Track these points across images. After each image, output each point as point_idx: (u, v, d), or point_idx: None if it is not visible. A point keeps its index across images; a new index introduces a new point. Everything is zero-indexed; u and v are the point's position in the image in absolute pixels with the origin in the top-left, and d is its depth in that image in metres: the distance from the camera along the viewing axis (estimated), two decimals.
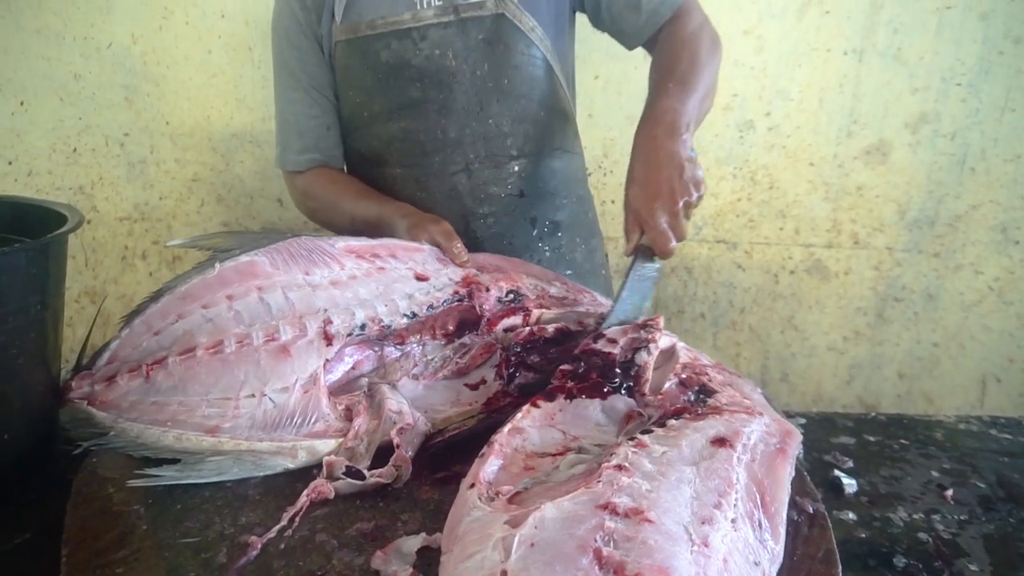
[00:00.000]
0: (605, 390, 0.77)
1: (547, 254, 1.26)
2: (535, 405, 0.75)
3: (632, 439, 0.65)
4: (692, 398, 0.76)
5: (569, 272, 1.25)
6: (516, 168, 1.21)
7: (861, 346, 2.09)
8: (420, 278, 0.93)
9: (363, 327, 0.82)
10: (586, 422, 0.74)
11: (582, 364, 0.80)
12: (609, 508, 0.54)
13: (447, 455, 0.74)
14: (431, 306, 0.90)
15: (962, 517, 0.78)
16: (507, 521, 0.55)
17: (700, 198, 0.94)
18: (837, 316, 2.07)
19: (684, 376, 0.79)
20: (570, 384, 0.78)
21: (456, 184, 1.20)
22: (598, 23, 1.24)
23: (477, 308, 0.93)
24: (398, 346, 0.86)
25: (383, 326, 0.84)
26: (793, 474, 0.65)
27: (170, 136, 1.93)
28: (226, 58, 1.86)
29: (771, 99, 1.89)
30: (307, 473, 0.72)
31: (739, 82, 1.88)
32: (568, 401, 0.76)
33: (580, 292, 1.04)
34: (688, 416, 0.70)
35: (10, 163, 1.91)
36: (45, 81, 1.85)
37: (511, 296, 0.97)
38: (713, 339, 2.09)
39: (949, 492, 0.83)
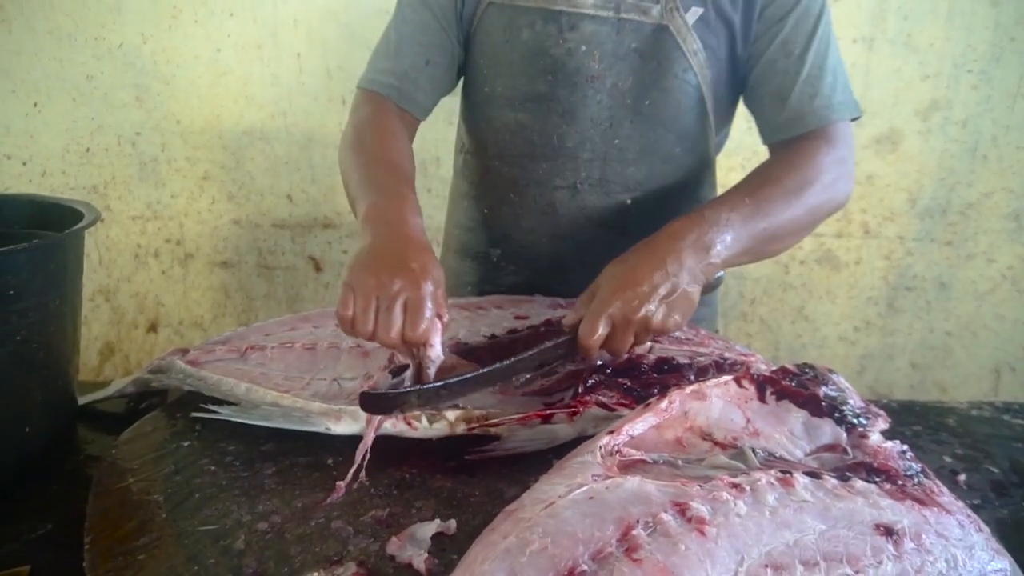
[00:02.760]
0: (822, 406, 0.71)
1: None
2: (738, 383, 0.72)
3: (785, 472, 0.59)
4: (910, 470, 0.66)
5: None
6: (629, 202, 1.04)
7: (872, 336, 2.08)
8: (519, 318, 0.91)
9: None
10: (779, 424, 0.70)
11: (809, 372, 0.76)
12: (680, 508, 0.54)
13: (459, 446, 0.75)
14: (514, 330, 0.87)
15: (975, 502, 0.78)
16: (596, 474, 0.57)
17: (658, 335, 0.84)
18: (848, 306, 2.06)
19: (909, 453, 0.69)
20: (787, 383, 0.73)
21: (556, 200, 1.05)
22: (745, 98, 1.07)
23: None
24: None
25: (459, 342, 0.86)
26: None
27: (181, 135, 1.95)
28: (235, 57, 1.88)
29: None
30: (323, 464, 0.73)
31: None
32: (774, 397, 0.72)
33: (710, 339, 0.92)
34: (889, 486, 0.61)
35: (24, 164, 1.93)
36: (58, 82, 1.87)
37: None
38: (724, 331, 2.09)
39: (962, 477, 0.83)
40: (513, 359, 0.77)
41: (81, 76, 1.87)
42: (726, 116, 1.11)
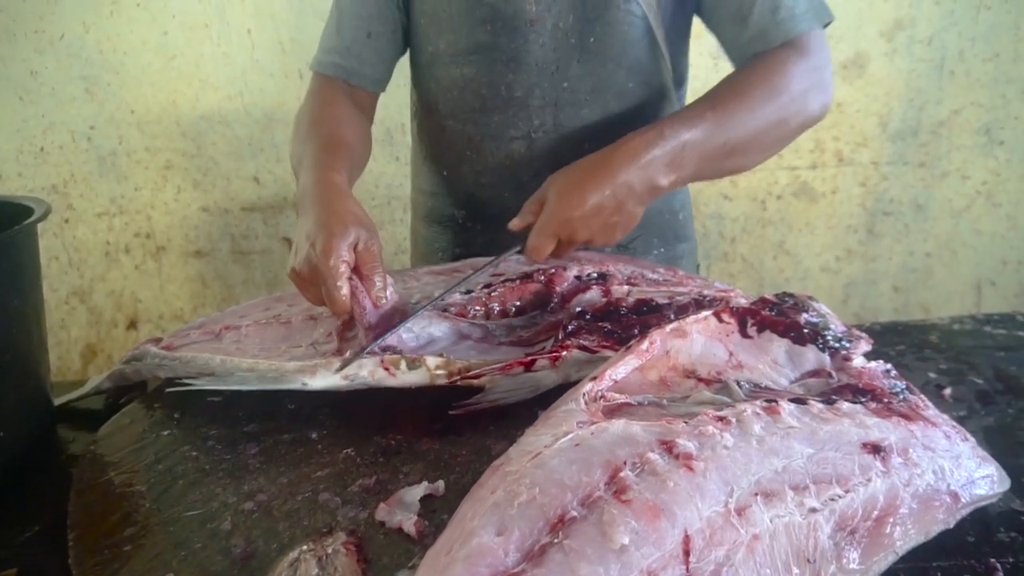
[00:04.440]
0: (804, 333, 0.70)
1: (608, 250, 1.08)
2: (718, 317, 0.71)
3: (770, 401, 0.59)
4: (895, 388, 0.66)
5: None
6: (587, 146, 1.00)
7: (854, 264, 2.09)
8: (495, 275, 0.90)
9: (417, 302, 0.83)
10: (762, 354, 0.70)
11: (788, 300, 0.75)
12: (667, 446, 0.53)
13: (444, 407, 0.74)
14: (489, 285, 0.85)
15: (961, 414, 0.78)
16: (581, 421, 0.56)
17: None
18: (828, 236, 2.06)
19: (894, 372, 0.69)
20: (767, 314, 0.72)
21: (513, 152, 1.04)
22: (705, 21, 1.03)
23: (545, 285, 0.85)
24: (459, 316, 0.83)
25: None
26: (951, 524, 0.56)
27: (137, 125, 1.89)
28: (183, 38, 1.82)
29: None
30: (307, 439, 0.72)
31: None
32: (755, 328, 0.71)
33: (688, 278, 0.90)
34: (875, 405, 0.61)
35: None
36: (2, 81, 1.81)
37: (594, 276, 0.87)
38: (706, 272, 2.09)
39: (948, 391, 0.83)
40: (467, 275, 0.83)
41: (25, 73, 1.81)
42: (679, 45, 1.07)
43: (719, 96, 0.90)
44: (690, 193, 1.25)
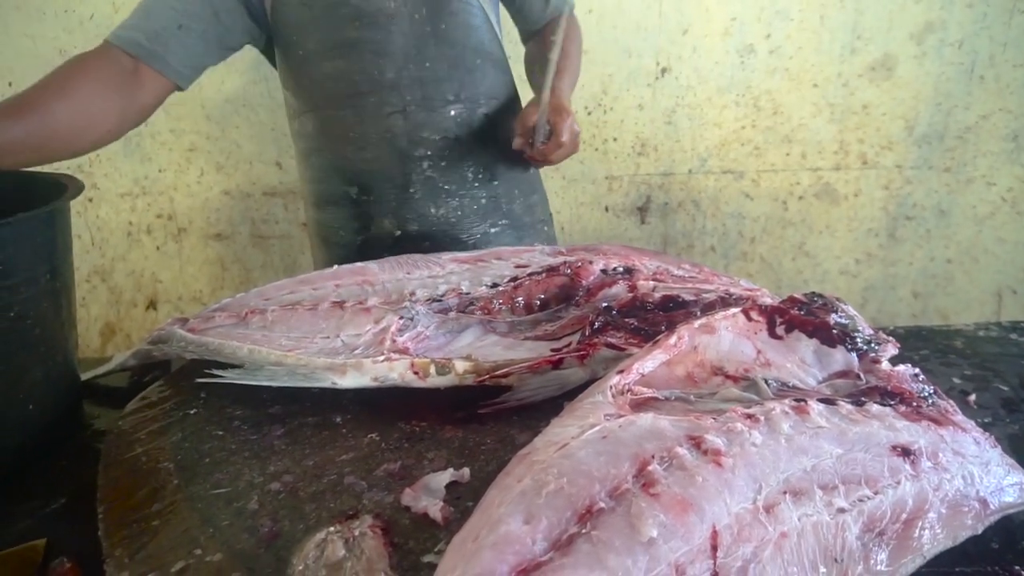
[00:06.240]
0: (833, 333, 0.71)
1: (483, 201, 1.28)
2: (746, 315, 0.72)
3: (799, 401, 0.59)
4: (923, 392, 0.66)
5: (506, 222, 1.31)
6: (452, 113, 1.22)
7: (874, 268, 2.08)
8: (520, 267, 0.91)
9: (443, 295, 0.84)
10: (790, 353, 0.70)
11: (818, 300, 0.75)
12: (695, 441, 0.53)
13: (468, 396, 0.74)
14: (515, 278, 0.87)
15: (986, 420, 0.78)
16: (608, 414, 0.57)
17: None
18: (848, 239, 2.05)
19: (922, 376, 0.69)
20: (796, 313, 0.72)
21: (391, 126, 1.20)
22: (508, 6, 1.31)
23: (571, 278, 0.87)
24: (485, 315, 0.83)
25: (462, 293, 0.85)
26: (979, 530, 0.55)
27: (162, 107, 1.89)
28: None
29: (771, 20, 1.84)
30: (331, 423, 0.73)
31: (737, 5, 1.83)
32: (784, 327, 0.72)
33: (714, 276, 0.93)
34: (904, 408, 0.62)
35: None
36: (31, 60, 1.83)
37: (620, 270, 0.89)
38: (725, 271, 2.08)
39: (972, 397, 0.82)
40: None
41: (54, 52, 1.82)
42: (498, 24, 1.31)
43: (571, 57, 1.25)
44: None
